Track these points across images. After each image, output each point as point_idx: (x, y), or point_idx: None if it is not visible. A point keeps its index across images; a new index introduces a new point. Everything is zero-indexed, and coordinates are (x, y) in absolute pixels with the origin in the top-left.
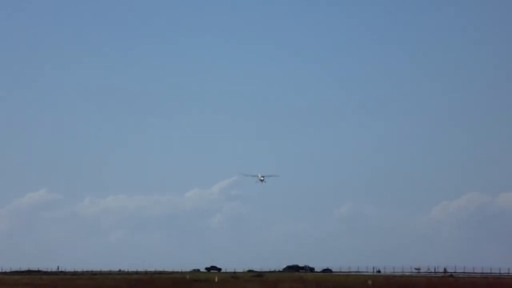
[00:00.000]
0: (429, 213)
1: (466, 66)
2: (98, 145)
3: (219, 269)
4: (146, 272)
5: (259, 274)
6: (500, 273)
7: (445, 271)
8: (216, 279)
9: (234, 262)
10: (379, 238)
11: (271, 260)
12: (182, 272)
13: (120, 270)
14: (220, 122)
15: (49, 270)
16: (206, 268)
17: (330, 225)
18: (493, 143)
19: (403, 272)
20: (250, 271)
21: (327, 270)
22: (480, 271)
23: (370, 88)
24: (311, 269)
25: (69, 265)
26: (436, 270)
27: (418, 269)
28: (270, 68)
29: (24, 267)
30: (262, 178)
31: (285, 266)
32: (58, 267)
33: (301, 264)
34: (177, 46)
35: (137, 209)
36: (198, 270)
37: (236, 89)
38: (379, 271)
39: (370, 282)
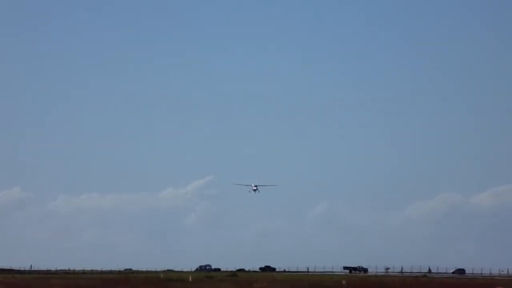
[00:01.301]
0: (403, 212)
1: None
2: (72, 143)
3: (274, 269)
4: (120, 272)
5: (234, 274)
6: (473, 273)
7: (429, 271)
8: (190, 279)
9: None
10: (354, 237)
11: (246, 260)
12: (156, 272)
13: (92, 270)
14: (195, 121)
15: (22, 269)
16: (260, 268)
17: (305, 225)
18: (467, 144)
19: (376, 272)
20: (262, 268)
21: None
22: (451, 271)
23: (346, 88)
24: (365, 270)
25: (42, 264)
26: (403, 270)
27: (388, 268)
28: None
29: None
30: (255, 188)
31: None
32: (31, 266)
33: (354, 265)
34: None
35: (111, 208)
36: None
37: (213, 89)
38: (366, 270)
39: (344, 282)
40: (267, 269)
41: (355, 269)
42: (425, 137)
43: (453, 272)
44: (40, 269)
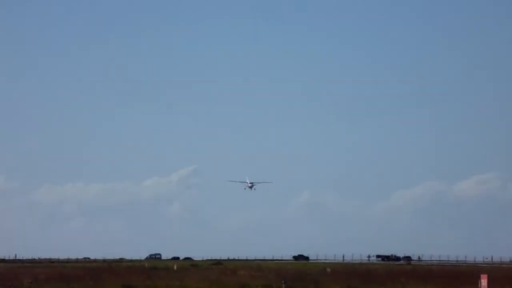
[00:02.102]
0: (387, 201)
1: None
2: (55, 133)
3: (307, 258)
4: (104, 260)
5: (219, 262)
6: (457, 260)
7: (419, 259)
8: (175, 267)
9: (192, 250)
10: (338, 225)
11: (230, 248)
12: (140, 260)
13: (77, 259)
14: (179, 111)
15: (6, 258)
16: (294, 257)
17: (289, 213)
18: (451, 132)
19: (361, 259)
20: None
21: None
22: (438, 259)
23: (329, 76)
24: (398, 258)
25: (26, 253)
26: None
27: (369, 256)
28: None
29: None
30: (250, 185)
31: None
32: (15, 255)
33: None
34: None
35: (95, 197)
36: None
37: (195, 78)
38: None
39: (328, 270)
40: (300, 258)
41: (388, 257)
42: (409, 126)
43: (403, 257)
44: (24, 258)
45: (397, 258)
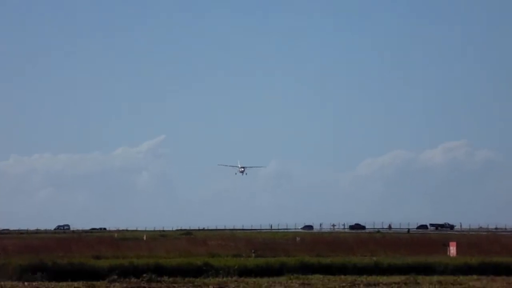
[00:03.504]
0: (354, 170)
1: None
2: (22, 101)
3: (363, 227)
4: (73, 231)
5: (188, 232)
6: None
7: (389, 227)
8: (145, 237)
9: (162, 220)
10: (305, 196)
11: (200, 219)
12: (109, 231)
13: (46, 230)
14: (148, 80)
15: None
16: (351, 226)
17: (256, 183)
18: (417, 100)
19: (332, 229)
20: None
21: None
22: (406, 227)
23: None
24: (451, 227)
25: None
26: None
27: (334, 225)
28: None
29: None
30: (242, 169)
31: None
32: None
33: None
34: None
35: (64, 167)
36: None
37: (164, 45)
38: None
39: (298, 238)
40: (356, 227)
41: (442, 225)
42: (374, 94)
43: (302, 228)
44: None
45: (451, 227)
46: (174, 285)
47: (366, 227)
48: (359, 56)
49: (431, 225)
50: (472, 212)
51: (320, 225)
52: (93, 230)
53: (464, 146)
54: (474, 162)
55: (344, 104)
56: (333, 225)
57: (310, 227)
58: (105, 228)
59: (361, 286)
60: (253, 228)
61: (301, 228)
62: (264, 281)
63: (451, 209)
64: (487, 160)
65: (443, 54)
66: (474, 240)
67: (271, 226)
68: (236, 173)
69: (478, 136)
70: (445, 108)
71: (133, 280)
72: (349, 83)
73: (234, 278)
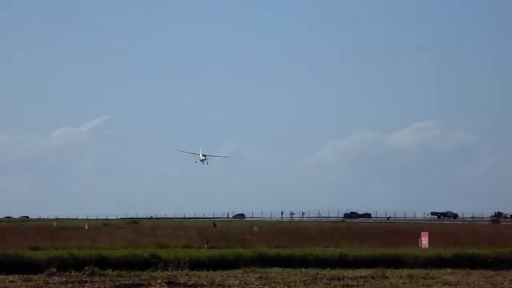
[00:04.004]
0: (316, 153)
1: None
2: None
3: (369, 215)
4: (8, 220)
5: (134, 221)
6: (395, 217)
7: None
8: (87, 227)
9: (105, 208)
10: (262, 181)
11: (147, 207)
12: (48, 220)
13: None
14: (90, 51)
15: None
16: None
17: (207, 167)
18: (385, 76)
19: (291, 217)
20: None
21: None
22: (374, 216)
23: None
24: (455, 216)
25: None
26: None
27: (293, 214)
28: None
29: None
30: (203, 158)
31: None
32: None
33: (443, 210)
34: None
35: None
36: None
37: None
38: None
39: (255, 228)
40: (366, 216)
41: (444, 214)
42: (338, 71)
43: (233, 217)
44: None
45: (454, 216)
46: (119, 278)
47: (330, 215)
48: (320, 28)
49: (432, 213)
50: (445, 199)
51: (282, 213)
52: (8, 219)
53: (435, 126)
54: (446, 144)
55: (304, 81)
56: (292, 214)
57: (241, 215)
58: (27, 217)
59: (324, 280)
60: (205, 216)
61: (233, 217)
62: (218, 274)
63: (421, 196)
64: (461, 142)
65: (413, 27)
66: (448, 230)
67: (227, 215)
68: (196, 161)
69: (452, 116)
70: (415, 84)
71: (74, 273)
72: (309, 57)
73: (185, 271)
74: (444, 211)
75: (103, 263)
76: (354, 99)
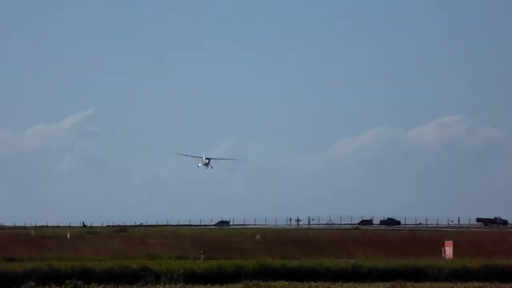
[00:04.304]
0: (328, 151)
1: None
2: None
3: (398, 222)
4: None
5: (123, 229)
6: (415, 224)
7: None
8: (68, 235)
9: (90, 214)
10: (266, 183)
11: (137, 212)
12: (25, 227)
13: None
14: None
15: None
16: (381, 221)
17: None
18: (405, 67)
19: (297, 225)
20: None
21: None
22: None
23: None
24: (504, 222)
25: None
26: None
27: (299, 220)
28: None
29: None
30: (206, 162)
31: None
32: None
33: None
34: None
35: None
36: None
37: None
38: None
39: (258, 236)
40: (391, 222)
41: (492, 221)
42: (354, 62)
43: (215, 225)
44: None
45: (504, 222)
46: None
47: (342, 221)
48: (336, 23)
49: (478, 220)
50: (472, 204)
51: (290, 220)
52: None
53: (461, 122)
54: (473, 142)
55: (314, 72)
56: (298, 220)
57: (225, 223)
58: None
59: None
60: (202, 224)
61: (214, 225)
62: None
63: (444, 199)
64: (489, 139)
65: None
66: (474, 238)
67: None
68: (198, 166)
69: (479, 111)
70: (437, 75)
71: (55, 287)
72: (319, 47)
73: (179, 285)
74: (492, 217)
75: (87, 276)
76: (369, 91)
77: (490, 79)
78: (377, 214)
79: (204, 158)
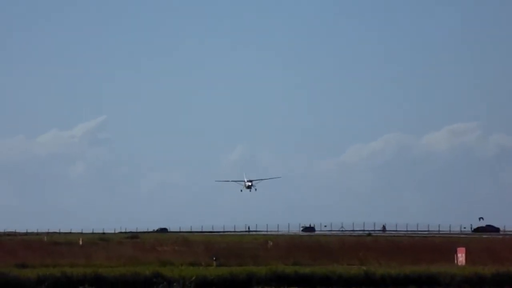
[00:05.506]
0: (337, 159)
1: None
2: None
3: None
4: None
5: (134, 235)
6: (428, 230)
7: (383, 229)
8: (81, 242)
9: (102, 221)
10: (278, 189)
11: (149, 219)
12: (38, 234)
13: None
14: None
15: None
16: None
17: (217, 175)
18: (418, 72)
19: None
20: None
21: None
22: (404, 229)
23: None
24: (496, 230)
25: None
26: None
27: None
28: None
29: None
30: (249, 184)
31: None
32: None
33: None
34: None
35: None
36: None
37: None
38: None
39: (270, 243)
40: (491, 229)
41: (483, 229)
42: (366, 67)
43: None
44: None
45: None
46: None
47: (355, 228)
48: (346, 26)
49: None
50: (485, 210)
51: (312, 225)
52: None
53: (475, 128)
54: (487, 149)
55: (327, 78)
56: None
57: (164, 230)
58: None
59: None
60: (214, 230)
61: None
62: None
63: (459, 207)
64: (502, 146)
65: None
66: (488, 245)
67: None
68: (241, 190)
69: (492, 118)
70: (450, 81)
71: None
72: (331, 52)
73: None
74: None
75: (99, 282)
76: (381, 97)
77: (505, 87)
78: (390, 221)
79: (246, 181)
